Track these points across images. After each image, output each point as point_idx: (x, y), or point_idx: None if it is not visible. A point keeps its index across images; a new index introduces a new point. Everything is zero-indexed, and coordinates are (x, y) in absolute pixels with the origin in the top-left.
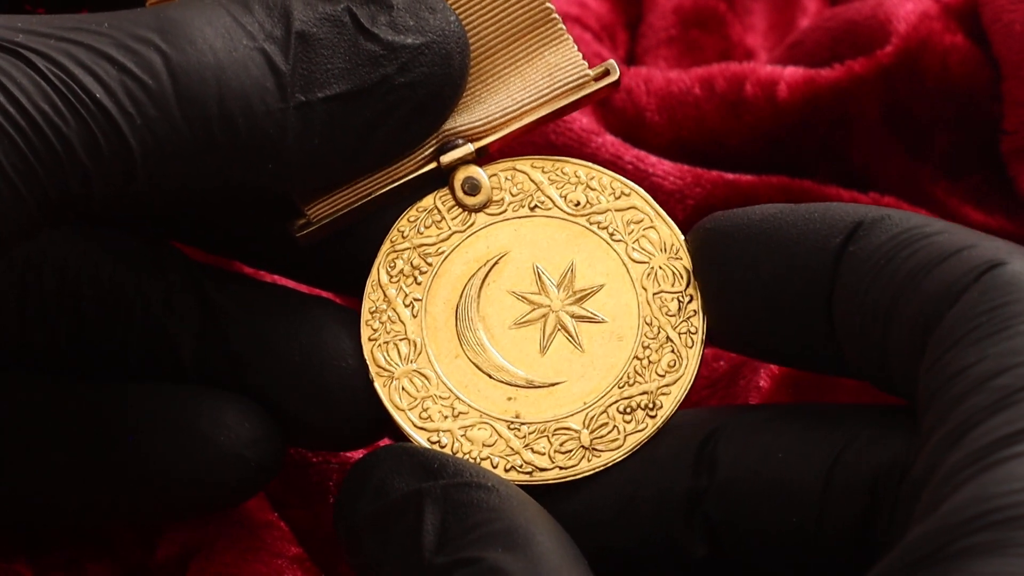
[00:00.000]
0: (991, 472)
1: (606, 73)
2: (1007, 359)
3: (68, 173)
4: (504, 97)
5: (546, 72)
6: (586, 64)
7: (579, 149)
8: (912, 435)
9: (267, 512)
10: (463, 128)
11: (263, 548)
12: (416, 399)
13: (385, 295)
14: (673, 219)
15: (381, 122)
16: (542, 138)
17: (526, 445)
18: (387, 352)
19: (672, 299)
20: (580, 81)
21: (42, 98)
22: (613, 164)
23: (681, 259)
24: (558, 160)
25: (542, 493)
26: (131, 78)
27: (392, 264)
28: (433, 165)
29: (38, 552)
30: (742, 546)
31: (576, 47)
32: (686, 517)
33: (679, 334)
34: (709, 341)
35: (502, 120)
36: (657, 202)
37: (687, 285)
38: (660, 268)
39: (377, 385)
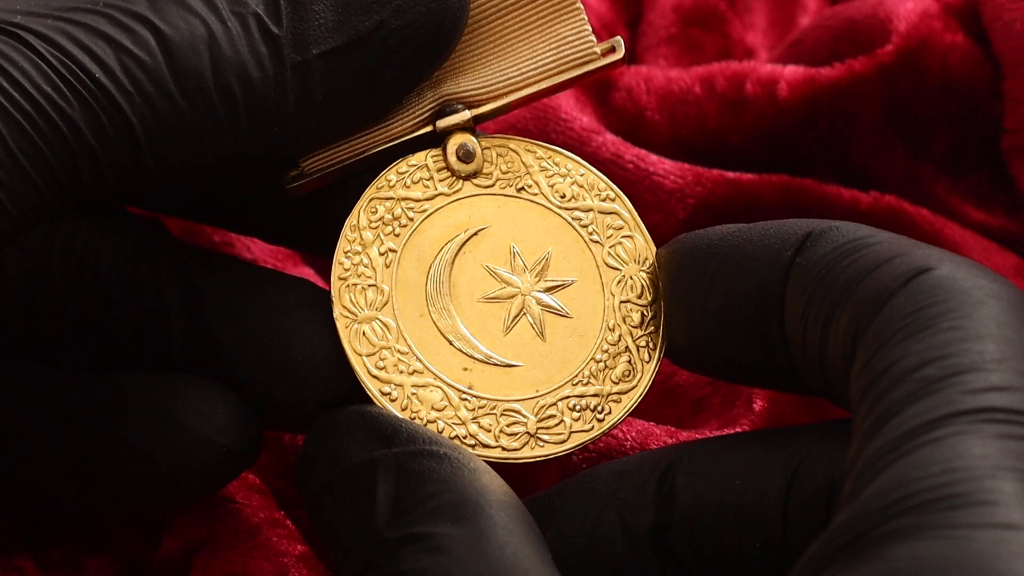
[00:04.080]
0: (908, 458)
1: (612, 50)
2: (929, 353)
3: (77, 155)
4: (509, 66)
5: (554, 44)
6: (595, 40)
7: (580, 148)
8: None
9: (273, 510)
10: (464, 93)
11: (268, 546)
12: (375, 347)
13: (361, 238)
14: (674, 217)
15: (382, 68)
16: (543, 136)
17: (474, 418)
18: (354, 295)
19: (637, 311)
20: (586, 57)
21: (45, 81)
22: (614, 163)
23: (651, 272)
24: (550, 149)
25: None
26: (127, 56)
27: (374, 209)
28: (429, 128)
29: (38, 547)
30: (710, 574)
31: (586, 19)
32: (654, 550)
33: (638, 346)
34: (673, 361)
35: (503, 90)
36: (658, 201)
37: (653, 300)
38: (631, 278)
39: (339, 325)
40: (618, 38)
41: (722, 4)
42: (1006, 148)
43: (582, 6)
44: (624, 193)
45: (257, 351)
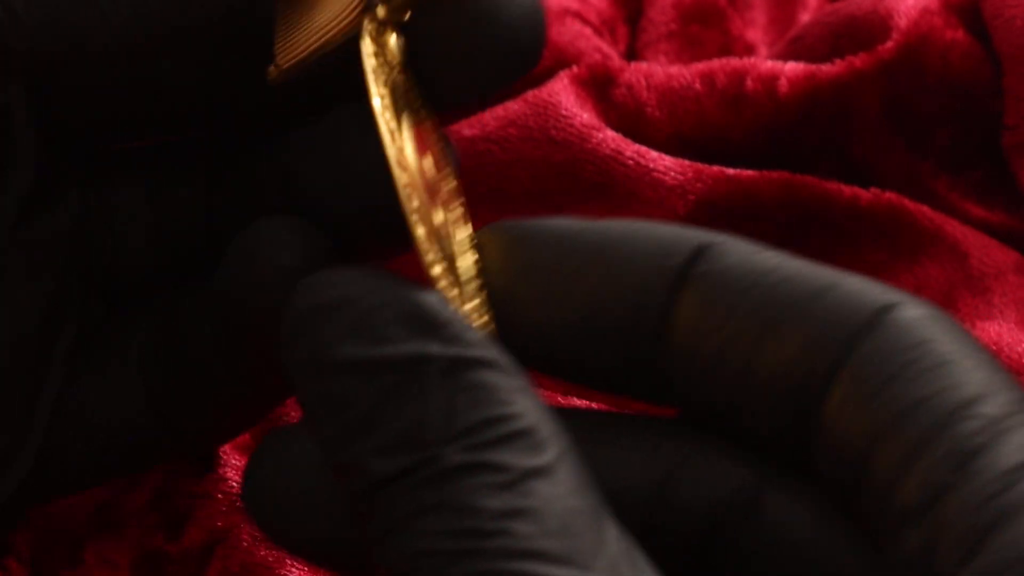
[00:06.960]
0: None
1: None
2: (967, 390)
3: None
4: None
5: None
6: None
7: (580, 144)
8: (756, 468)
9: None
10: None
11: None
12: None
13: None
14: (674, 214)
15: None
16: (542, 132)
17: None
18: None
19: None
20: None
21: None
22: (614, 159)
23: (473, 256)
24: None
25: None
26: None
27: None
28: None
29: (52, 538)
30: None
31: None
32: None
33: None
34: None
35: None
36: (659, 197)
37: (476, 287)
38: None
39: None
40: None
41: (722, 1)
42: (1007, 145)
43: None
44: (625, 190)
45: (339, 186)
